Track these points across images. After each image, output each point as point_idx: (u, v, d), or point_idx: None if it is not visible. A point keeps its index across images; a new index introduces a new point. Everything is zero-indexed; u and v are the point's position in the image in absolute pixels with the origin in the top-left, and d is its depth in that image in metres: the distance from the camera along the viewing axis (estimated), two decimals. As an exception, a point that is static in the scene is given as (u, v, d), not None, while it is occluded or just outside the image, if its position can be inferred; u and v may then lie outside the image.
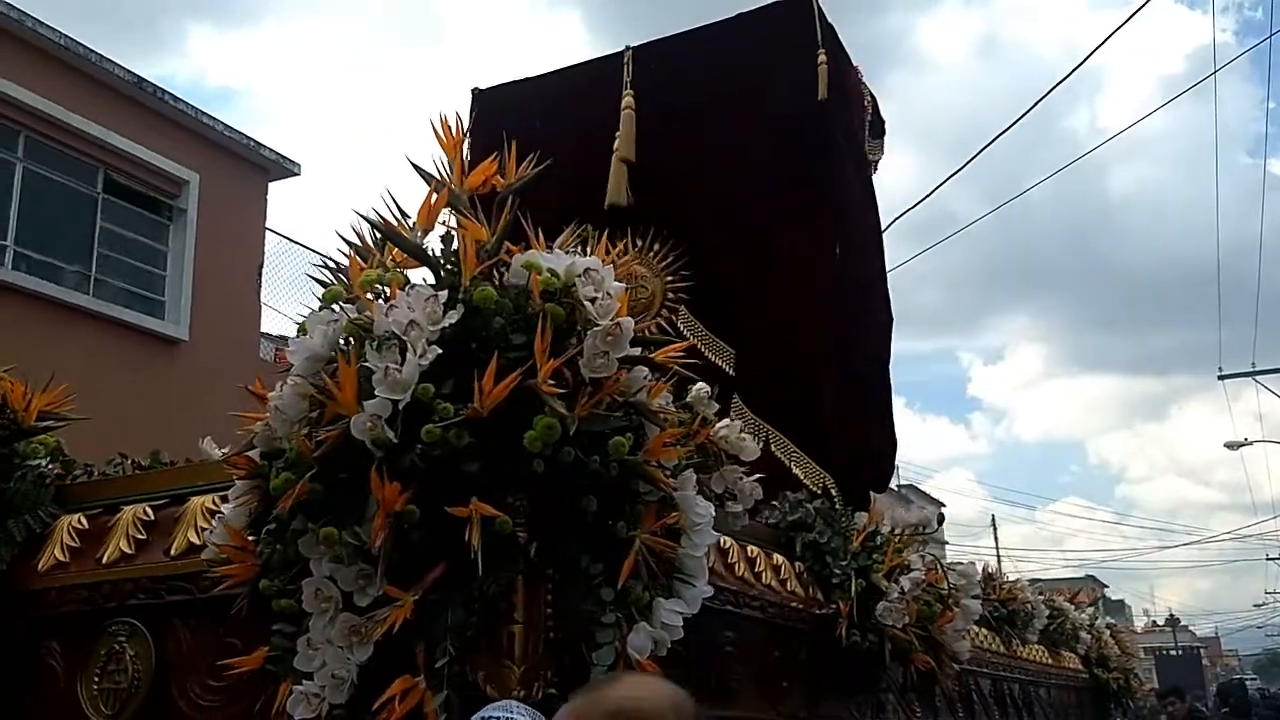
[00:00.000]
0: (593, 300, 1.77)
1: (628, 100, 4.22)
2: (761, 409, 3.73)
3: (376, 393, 1.62)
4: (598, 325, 1.75)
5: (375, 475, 1.60)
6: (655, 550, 1.87)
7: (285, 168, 12.86)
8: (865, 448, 3.76)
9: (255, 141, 12.61)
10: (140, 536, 2.23)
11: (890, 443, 3.99)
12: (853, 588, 3.01)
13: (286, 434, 1.73)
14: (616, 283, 1.80)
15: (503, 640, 1.75)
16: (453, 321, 1.73)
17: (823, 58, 3.92)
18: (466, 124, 4.71)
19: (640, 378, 1.90)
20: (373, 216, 1.90)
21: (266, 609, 1.80)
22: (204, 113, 12.24)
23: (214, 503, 2.11)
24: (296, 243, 12.77)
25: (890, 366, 4.11)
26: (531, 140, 4.55)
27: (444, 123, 2.05)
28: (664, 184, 4.10)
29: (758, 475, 2.52)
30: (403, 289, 1.75)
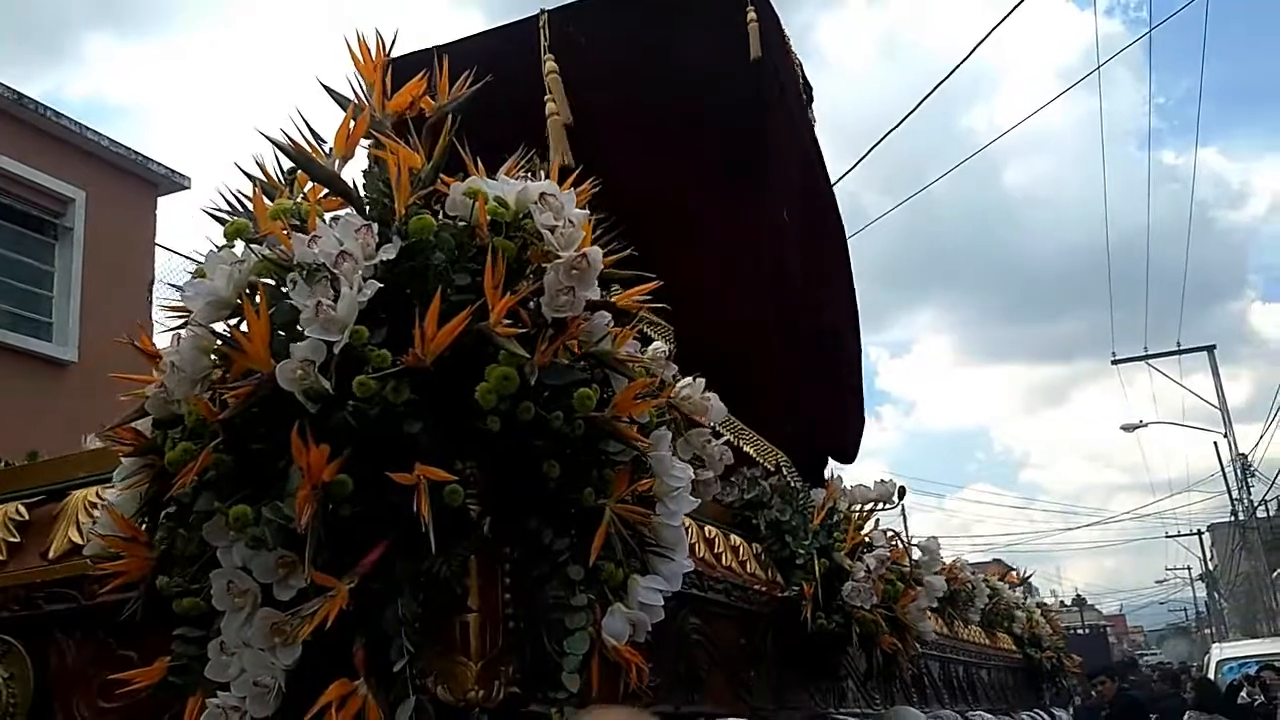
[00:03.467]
0: (552, 229, 1.51)
1: (550, 65, 3.95)
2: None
3: (307, 333, 1.33)
4: (560, 257, 1.49)
5: (297, 438, 1.31)
6: (628, 521, 1.61)
7: (175, 181, 12.47)
8: (820, 420, 3.56)
9: (143, 156, 12.16)
10: (12, 540, 1.89)
11: (857, 413, 3.80)
12: (816, 568, 2.80)
13: (185, 396, 1.43)
14: (579, 210, 1.55)
15: (455, 632, 1.47)
16: (388, 258, 1.45)
17: (752, 15, 3.72)
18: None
19: (603, 324, 1.65)
20: (282, 141, 1.60)
21: (166, 611, 1.49)
22: (88, 128, 11.81)
23: (99, 495, 1.78)
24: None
25: (859, 336, 3.92)
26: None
27: (362, 43, 1.76)
28: (590, 153, 3.85)
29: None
30: (323, 220, 1.47)
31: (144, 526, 1.53)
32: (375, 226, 1.46)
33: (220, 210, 1.73)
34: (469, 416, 1.45)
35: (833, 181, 4.33)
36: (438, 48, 4.35)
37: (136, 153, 12.16)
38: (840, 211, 3.98)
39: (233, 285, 1.44)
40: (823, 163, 4.03)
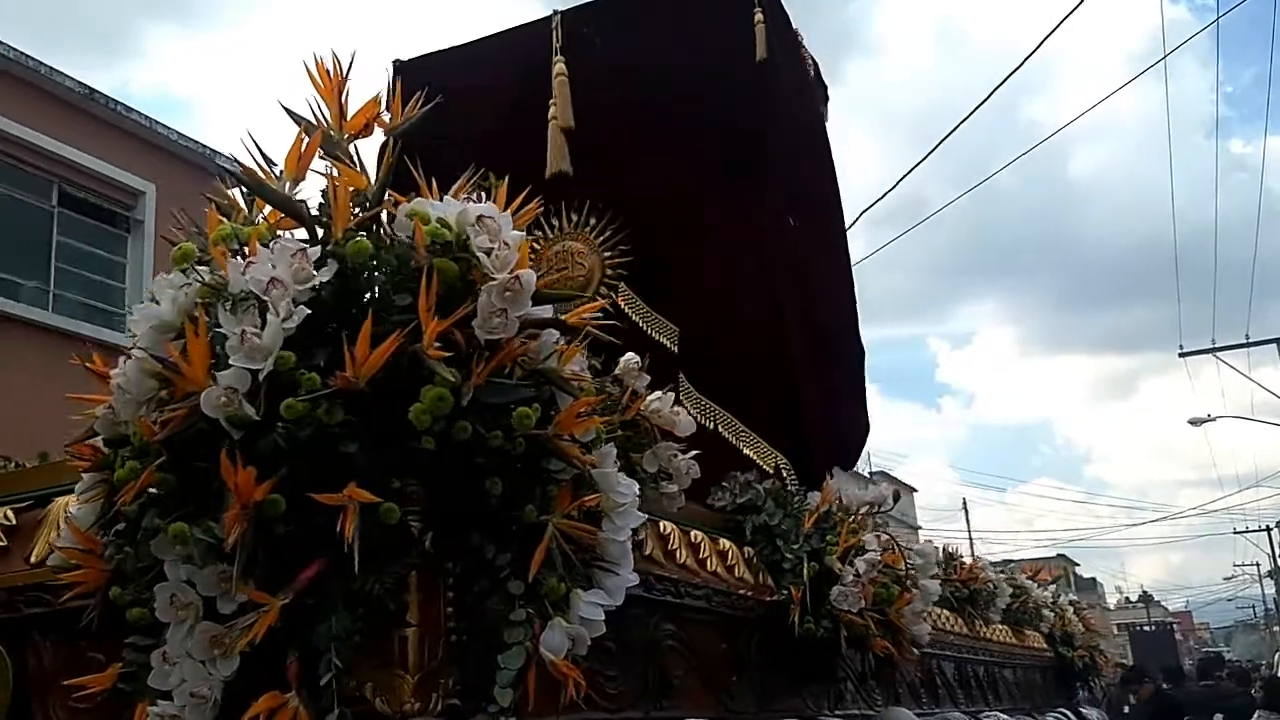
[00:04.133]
0: (488, 252, 1.54)
1: (559, 67, 3.98)
2: (708, 387, 3.53)
3: (231, 361, 1.38)
4: (494, 280, 1.52)
5: (225, 461, 1.36)
6: (572, 536, 1.64)
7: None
8: (822, 423, 3.55)
9: (210, 149, 12.43)
10: (0, 544, 1.97)
11: (861, 417, 3.79)
12: (805, 572, 2.81)
13: (131, 417, 1.48)
14: (516, 232, 1.58)
15: (394, 646, 1.52)
16: (324, 280, 1.49)
17: (759, 16, 3.71)
18: (385, 98, 4.46)
19: (550, 342, 1.67)
20: (235, 168, 1.65)
21: (122, 620, 1.55)
22: (157, 122, 12.16)
23: (70, 506, 1.85)
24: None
25: (859, 339, 3.91)
26: (458, 112, 4.34)
27: (319, 64, 1.80)
28: (599, 155, 3.87)
29: (694, 453, 2.30)
30: (265, 245, 1.51)
31: (103, 539, 1.59)
32: (315, 250, 1.50)
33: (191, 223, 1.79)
34: (406, 436, 1.49)
35: (863, 202, 4.31)
36: (454, 49, 4.42)
37: (204, 145, 12.45)
38: (844, 212, 3.96)
39: (176, 309, 1.49)
40: (831, 163, 4.01)
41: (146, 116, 12.11)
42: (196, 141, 12.45)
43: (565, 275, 3.86)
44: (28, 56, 10.88)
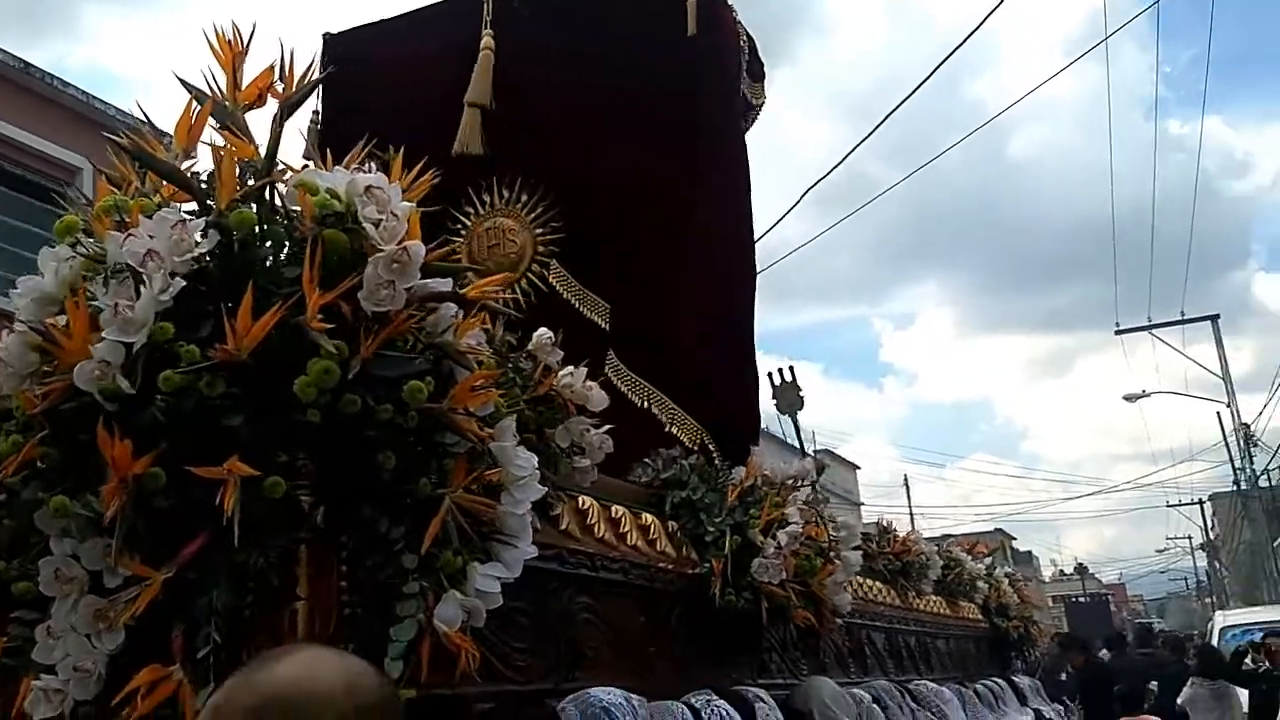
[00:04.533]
0: (376, 223, 1.53)
1: (486, 40, 3.95)
2: (638, 365, 3.53)
3: (105, 334, 1.37)
4: (381, 251, 1.51)
5: (103, 433, 1.35)
6: (470, 510, 1.64)
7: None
8: (741, 399, 3.58)
9: (151, 124, 12.17)
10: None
11: (755, 394, 3.82)
12: (727, 545, 2.84)
13: (13, 391, 1.46)
14: (405, 203, 1.57)
15: (284, 619, 1.52)
16: (205, 251, 1.47)
17: (692, -7, 3.70)
18: (316, 71, 4.39)
19: (448, 315, 1.67)
20: (123, 139, 1.62)
21: (7, 594, 1.54)
22: (94, 97, 11.88)
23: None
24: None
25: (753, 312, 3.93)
26: (388, 86, 4.29)
27: (219, 35, 1.77)
28: (530, 129, 3.85)
29: (608, 427, 2.31)
30: (147, 216, 1.49)
31: (-14, 515, 1.57)
32: (199, 221, 1.48)
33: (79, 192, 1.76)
34: (291, 409, 1.48)
35: (808, 181, 4.32)
36: (378, 22, 4.36)
37: (144, 122, 12.21)
38: (752, 193, 3.98)
39: (59, 282, 1.47)
40: (744, 149, 4.02)
41: (83, 92, 11.86)
42: (134, 117, 12.22)
43: (496, 251, 3.85)
44: (-43, 33, 10.64)
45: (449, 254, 1.67)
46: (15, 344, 1.46)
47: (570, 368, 2.19)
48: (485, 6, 4.05)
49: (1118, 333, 21.16)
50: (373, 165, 1.71)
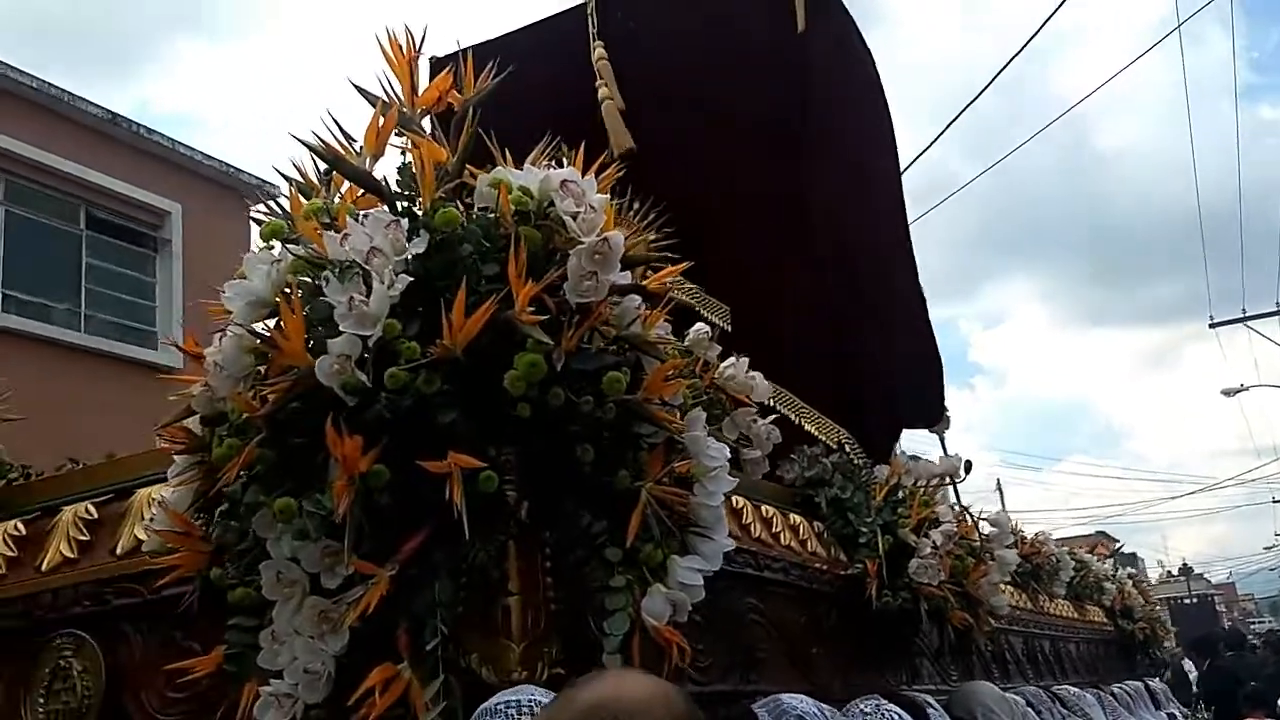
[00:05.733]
0: (574, 216, 1.53)
1: (599, 52, 3.96)
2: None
3: (342, 328, 1.37)
4: (582, 243, 1.50)
5: (332, 431, 1.35)
6: (665, 502, 1.62)
7: (266, 191, 12.89)
8: (888, 391, 3.51)
9: (233, 167, 12.59)
10: (83, 538, 1.97)
11: (934, 373, 3.74)
12: (880, 545, 2.78)
13: (229, 394, 1.48)
14: (600, 195, 1.56)
15: (497, 615, 1.50)
16: (417, 251, 1.48)
17: (798, -14, 3.67)
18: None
19: (633, 307, 1.66)
20: (314, 143, 1.64)
21: (224, 603, 1.55)
22: (179, 143, 12.34)
23: (162, 492, 1.85)
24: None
25: (923, 298, 3.85)
26: (496, 104, 4.32)
27: (393, 40, 1.79)
28: (641, 137, 3.85)
29: (772, 417, 2.27)
30: (353, 218, 1.50)
31: (199, 521, 1.59)
32: (404, 221, 1.49)
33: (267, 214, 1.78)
34: (501, 404, 1.47)
35: (912, 148, 4.25)
36: (489, 42, 4.41)
37: (227, 164, 12.61)
38: (901, 176, 3.92)
39: (270, 285, 1.48)
40: (886, 122, 3.96)
41: (169, 138, 12.26)
42: (219, 160, 12.59)
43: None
44: (50, 85, 11.05)
45: (631, 246, 1.65)
46: (231, 347, 1.47)
47: (732, 358, 2.17)
48: (590, 20, 4.08)
49: (1212, 326, 20.53)
50: (551, 163, 1.70)
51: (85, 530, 1.99)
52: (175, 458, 1.61)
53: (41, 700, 1.88)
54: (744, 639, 2.24)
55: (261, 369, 1.47)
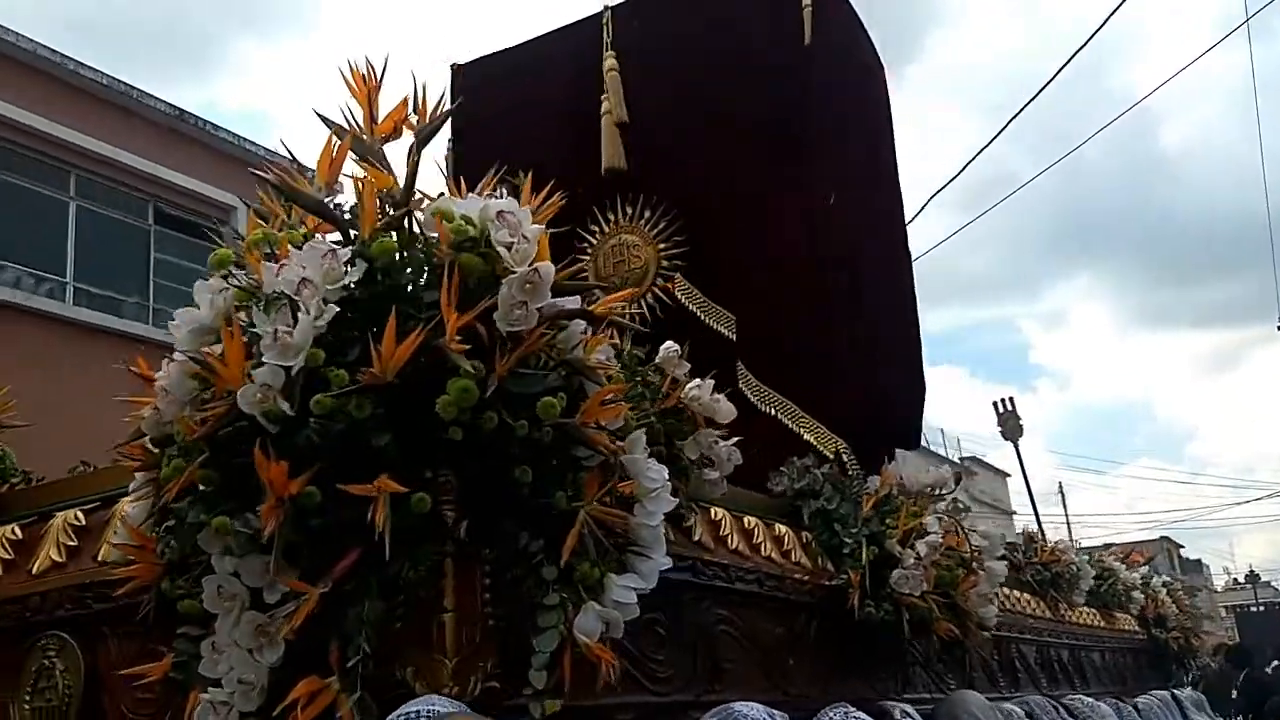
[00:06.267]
0: (509, 246, 1.58)
1: (610, 62, 4.02)
2: (768, 375, 3.52)
3: (265, 359, 1.44)
4: (514, 273, 1.55)
5: (260, 455, 1.42)
6: (605, 522, 1.67)
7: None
8: (882, 404, 3.53)
9: (298, 162, 12.83)
10: (71, 543, 2.08)
11: (917, 391, 3.75)
12: (864, 555, 2.80)
13: (174, 417, 1.56)
14: (535, 226, 1.61)
15: (432, 631, 1.57)
16: (355, 280, 1.54)
17: (807, 1, 3.69)
18: (447, 102, 4.55)
19: (577, 332, 1.71)
20: (270, 175, 1.71)
21: (173, 612, 1.63)
22: (245, 139, 12.57)
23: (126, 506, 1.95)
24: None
25: (915, 310, 3.87)
26: (516, 112, 4.40)
27: (354, 70, 1.86)
28: (652, 147, 3.90)
29: (735, 440, 2.31)
30: (297, 247, 1.57)
31: (154, 535, 1.67)
32: (345, 250, 1.55)
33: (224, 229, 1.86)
34: (435, 428, 1.53)
35: (944, 178, 4.25)
36: (508, 50, 4.47)
37: (293, 158, 12.87)
38: (900, 188, 3.93)
39: (214, 312, 1.56)
40: (887, 138, 3.97)
41: (234, 134, 12.58)
42: (284, 156, 12.85)
43: (621, 267, 3.91)
44: (120, 82, 11.37)
45: (577, 272, 1.70)
46: (176, 373, 1.55)
47: (698, 380, 2.21)
48: (605, 29, 4.13)
49: (1280, 328, 20.00)
50: (503, 191, 1.76)
51: (74, 536, 2.09)
52: (136, 474, 1.69)
53: (28, 698, 1.99)
54: (711, 650, 2.28)
55: (205, 393, 1.54)
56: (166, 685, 1.61)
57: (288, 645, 1.51)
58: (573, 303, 1.71)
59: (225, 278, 1.60)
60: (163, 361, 1.59)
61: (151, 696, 1.82)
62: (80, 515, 2.10)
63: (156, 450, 1.62)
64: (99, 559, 2.00)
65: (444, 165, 4.30)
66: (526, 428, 1.58)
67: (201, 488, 1.52)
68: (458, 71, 4.53)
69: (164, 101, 11.89)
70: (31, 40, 10.58)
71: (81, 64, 11.00)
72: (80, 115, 10.84)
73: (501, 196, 1.69)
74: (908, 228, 4.00)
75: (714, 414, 2.16)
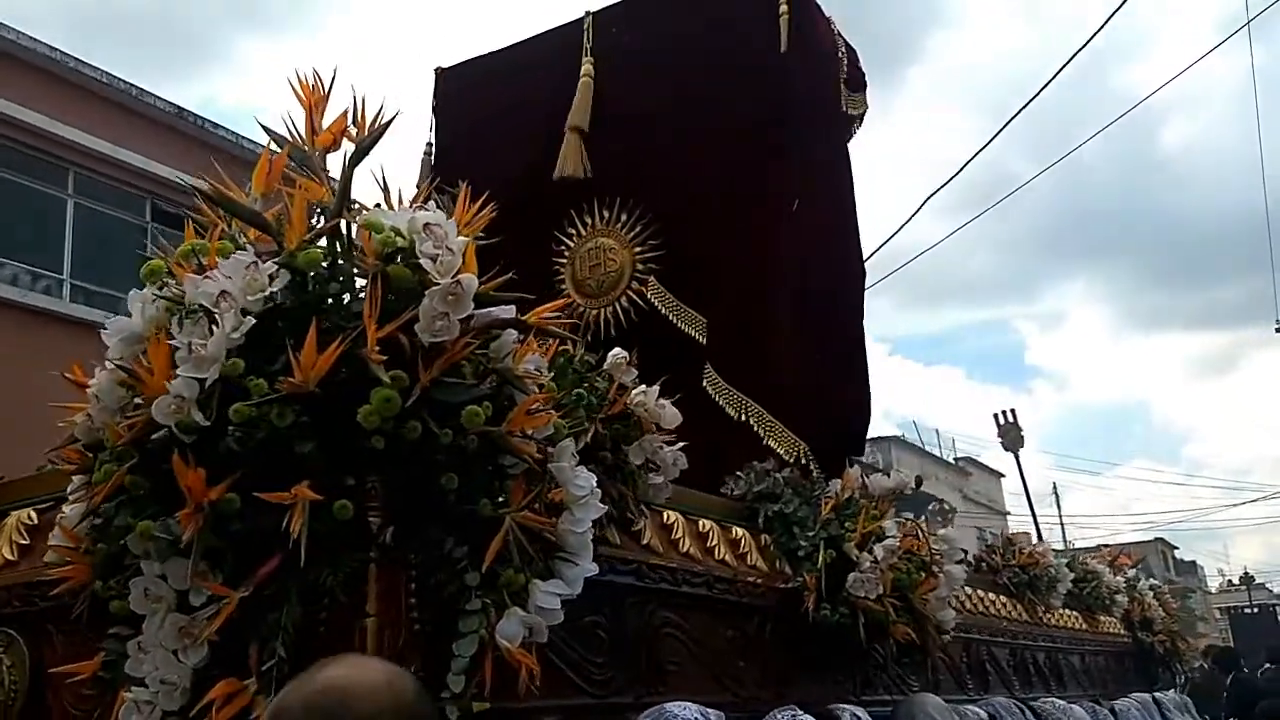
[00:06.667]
0: (434, 258, 1.61)
1: (586, 68, 4.05)
2: (735, 378, 3.55)
3: (179, 371, 1.48)
4: (436, 284, 1.59)
5: (179, 462, 1.46)
6: (532, 528, 1.70)
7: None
8: (842, 411, 3.56)
9: (296, 160, 12.85)
10: (23, 542, 2.12)
11: (865, 402, 3.78)
12: (820, 559, 2.83)
13: (105, 424, 1.59)
14: (460, 238, 1.64)
15: (354, 636, 1.60)
16: (277, 289, 1.58)
17: (784, 8, 3.71)
18: (430, 104, 4.59)
19: (509, 341, 1.74)
20: (205, 185, 1.74)
21: (105, 613, 1.67)
22: (243, 137, 12.60)
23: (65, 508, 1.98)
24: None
25: (863, 321, 3.90)
26: (498, 116, 4.43)
27: (301, 80, 1.89)
28: (630, 152, 3.93)
29: (681, 445, 2.34)
30: (224, 257, 1.61)
31: (89, 537, 1.71)
32: (267, 262, 1.59)
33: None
34: (358, 436, 1.56)
35: (944, 178, 4.27)
36: (489, 55, 4.50)
37: (291, 155, 12.90)
38: (856, 206, 3.96)
39: (145, 321, 1.59)
40: (847, 159, 4.01)
41: (233, 132, 12.60)
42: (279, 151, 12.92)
43: (598, 270, 3.94)
44: (119, 80, 11.42)
45: (507, 283, 1.73)
46: (105, 380, 1.59)
47: (643, 386, 2.24)
48: (585, 35, 4.16)
49: (1278, 330, 19.89)
50: (439, 202, 1.79)
51: (26, 535, 2.14)
52: (73, 478, 1.73)
53: (-23, 692, 2.03)
54: (654, 653, 2.31)
55: (135, 401, 1.58)
56: (97, 683, 1.65)
57: (212, 647, 1.55)
58: (507, 312, 1.75)
59: (158, 288, 1.63)
60: (95, 369, 1.62)
61: (92, 694, 1.86)
62: (33, 515, 2.14)
63: (90, 455, 1.66)
64: (46, 557, 2.03)
65: (422, 166, 4.36)
66: (451, 436, 1.61)
67: (130, 492, 1.56)
68: (440, 75, 4.57)
69: (163, 99, 11.95)
70: (32, 38, 10.64)
71: (82, 61, 11.06)
72: (79, 113, 10.89)
73: (438, 208, 1.73)
74: (862, 246, 4.01)
75: (659, 419, 2.19)
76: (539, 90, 4.25)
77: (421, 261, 1.61)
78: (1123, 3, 9.09)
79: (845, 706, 2.73)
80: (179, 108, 12.16)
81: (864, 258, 4.01)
